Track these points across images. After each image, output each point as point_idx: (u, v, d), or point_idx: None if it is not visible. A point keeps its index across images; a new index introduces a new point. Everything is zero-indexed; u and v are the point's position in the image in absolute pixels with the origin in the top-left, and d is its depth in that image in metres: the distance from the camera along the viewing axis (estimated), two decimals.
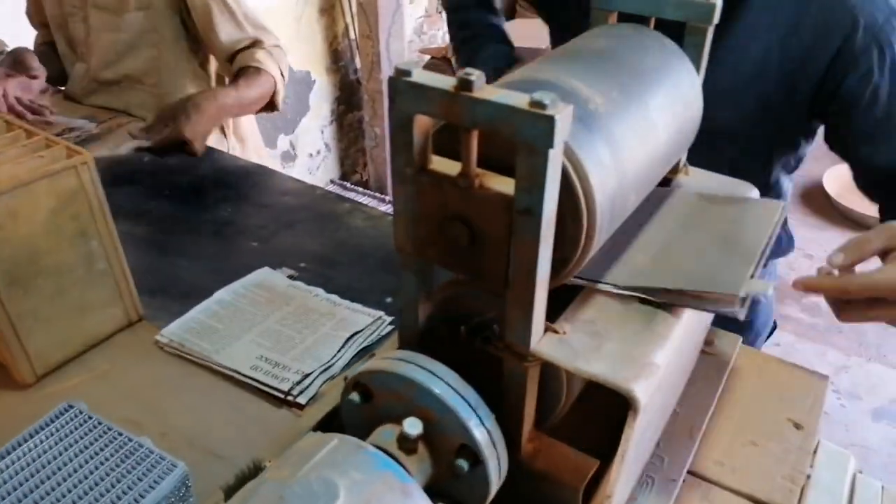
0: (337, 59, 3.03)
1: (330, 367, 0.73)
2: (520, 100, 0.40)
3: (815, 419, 0.68)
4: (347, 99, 3.14)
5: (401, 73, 0.43)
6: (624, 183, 0.50)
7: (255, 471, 0.60)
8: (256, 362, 0.73)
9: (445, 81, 0.42)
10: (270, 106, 1.40)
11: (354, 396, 0.50)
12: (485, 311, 0.53)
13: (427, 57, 3.02)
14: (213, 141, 1.39)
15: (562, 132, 0.39)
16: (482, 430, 0.46)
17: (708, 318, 0.70)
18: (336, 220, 1.03)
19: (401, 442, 0.47)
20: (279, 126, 2.82)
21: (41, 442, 0.59)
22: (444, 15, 3.45)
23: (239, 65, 1.33)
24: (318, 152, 3.09)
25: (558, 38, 1.06)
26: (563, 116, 0.39)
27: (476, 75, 0.41)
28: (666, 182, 0.69)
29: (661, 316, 0.52)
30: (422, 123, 0.46)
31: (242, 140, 1.51)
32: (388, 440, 0.47)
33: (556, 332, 0.49)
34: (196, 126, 1.20)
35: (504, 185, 0.44)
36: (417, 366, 0.48)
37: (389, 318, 0.81)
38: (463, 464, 0.46)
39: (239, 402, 0.70)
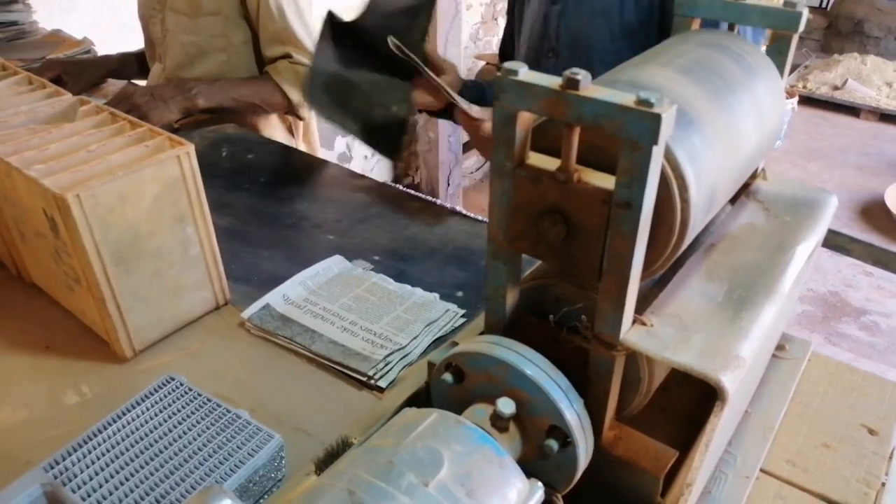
0: None
1: (408, 353, 0.76)
2: (626, 98, 0.42)
3: (891, 425, 0.68)
4: None
5: (508, 72, 0.46)
6: (715, 184, 0.51)
7: (343, 446, 0.63)
8: (336, 345, 0.77)
9: (551, 80, 0.45)
10: (294, 112, 1.45)
11: (448, 377, 0.53)
12: (572, 302, 0.55)
13: (482, 62, 3.05)
14: (282, 140, 1.44)
15: (666, 130, 0.41)
16: (573, 412, 0.48)
17: (785, 320, 0.71)
18: (406, 217, 1.07)
19: (493, 420, 0.49)
20: (334, 129, 2.88)
21: (145, 411, 0.63)
22: (500, 22, 3.48)
23: (266, 69, 1.40)
24: (373, 154, 3.14)
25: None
26: (668, 115, 0.41)
27: (582, 74, 0.43)
28: (745, 186, 0.71)
29: (746, 313, 0.53)
30: (524, 120, 0.48)
31: (309, 141, 1.56)
32: (481, 418, 0.49)
33: (644, 324, 0.51)
34: (164, 115, 1.25)
35: (602, 180, 0.47)
36: (510, 349, 0.50)
37: (462, 311, 0.84)
38: (553, 444, 0.48)
39: (322, 384, 0.74)
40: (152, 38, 1.46)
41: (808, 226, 0.65)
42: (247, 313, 0.81)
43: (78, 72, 1.48)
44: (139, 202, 0.71)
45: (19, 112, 0.84)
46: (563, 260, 0.50)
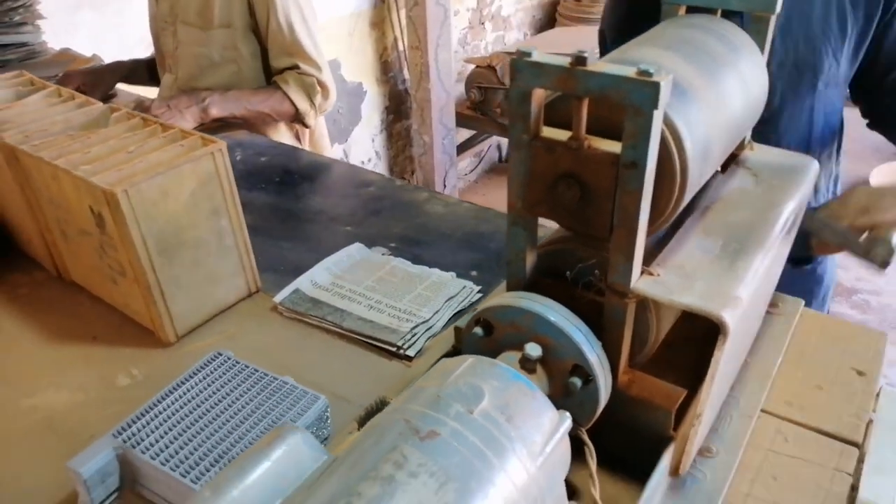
0: (386, 70, 3.15)
1: (432, 325, 0.82)
2: (628, 70, 0.48)
3: (877, 367, 0.75)
4: (396, 108, 3.26)
5: (522, 54, 0.52)
6: (708, 148, 0.58)
7: (381, 405, 0.69)
8: (364, 321, 0.83)
9: (561, 59, 0.51)
10: (301, 120, 1.51)
11: (478, 330, 0.59)
12: (585, 260, 0.61)
13: (472, 66, 3.12)
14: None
15: (665, 96, 0.48)
16: (593, 352, 0.54)
17: (775, 274, 0.78)
18: (416, 207, 1.13)
19: (523, 363, 0.55)
20: (333, 135, 2.95)
21: (199, 382, 0.69)
22: (487, 27, 3.55)
23: (274, 80, 1.47)
24: (370, 160, 3.21)
25: None
26: (666, 83, 0.47)
27: (588, 52, 0.50)
28: (734, 156, 0.77)
29: (740, 262, 0.60)
30: (538, 97, 0.55)
31: (316, 147, 1.63)
32: (511, 362, 0.56)
33: (651, 274, 0.58)
34: (180, 124, 1.30)
35: (609, 146, 0.53)
36: (534, 301, 0.56)
37: (477, 287, 0.90)
38: (576, 381, 0.55)
39: (354, 357, 0.80)
40: (163, 50, 1.52)
41: (793, 186, 0.72)
42: (279, 297, 0.87)
43: (95, 81, 1.54)
44: (179, 196, 0.77)
45: (56, 121, 0.90)
46: (578, 219, 0.56)
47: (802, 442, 0.67)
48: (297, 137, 1.58)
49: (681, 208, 0.57)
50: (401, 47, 3.16)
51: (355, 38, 2.98)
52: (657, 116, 0.49)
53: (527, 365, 0.55)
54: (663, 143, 0.53)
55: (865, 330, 0.81)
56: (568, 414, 0.52)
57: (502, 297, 0.59)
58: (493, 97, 3.06)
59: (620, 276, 0.56)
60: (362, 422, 0.68)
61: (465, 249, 1.01)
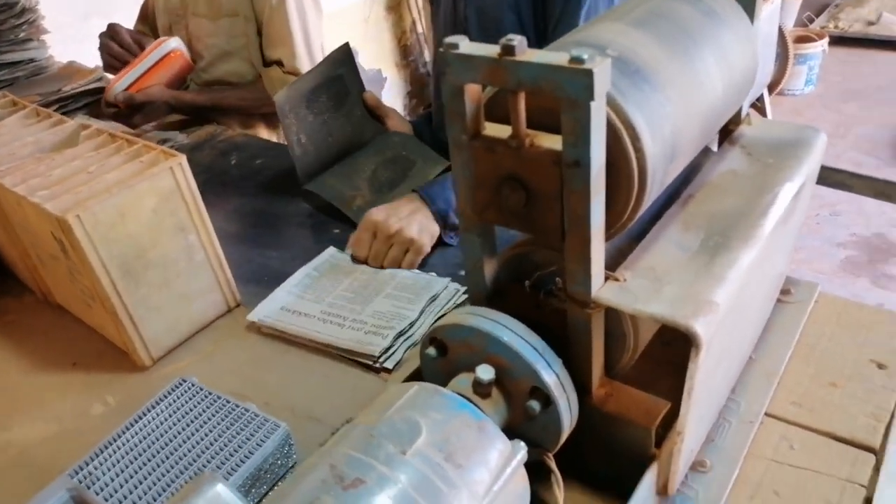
0: (406, 54, 3.09)
1: (412, 334, 0.78)
2: (559, 58, 0.42)
3: None
4: (419, 92, 3.20)
5: (449, 46, 0.47)
6: (677, 143, 0.51)
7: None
8: (342, 331, 0.79)
9: (489, 49, 0.46)
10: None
11: (431, 350, 0.54)
12: (546, 267, 0.56)
13: None
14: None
15: (602, 84, 0.42)
16: (550, 372, 0.49)
17: (782, 266, 0.70)
18: None
19: (475, 387, 0.50)
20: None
21: (160, 413, 0.66)
22: None
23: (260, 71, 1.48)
24: None
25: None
26: (601, 70, 0.41)
27: (518, 40, 0.44)
28: (728, 133, 0.70)
29: (721, 259, 0.53)
30: (472, 92, 0.49)
31: None
32: (464, 387, 0.51)
33: (616, 279, 0.52)
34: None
35: (553, 142, 0.47)
36: (486, 318, 0.51)
37: (463, 288, 0.85)
38: (535, 405, 0.49)
39: (331, 372, 0.76)
40: None
41: (792, 165, 0.64)
42: (253, 315, 0.84)
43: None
44: (139, 216, 0.74)
45: (26, 143, 0.88)
46: (527, 225, 0.51)
47: (810, 449, 0.60)
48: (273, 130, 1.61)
49: (641, 210, 0.51)
50: (419, 29, 3.10)
51: (371, 24, 2.93)
52: (596, 108, 0.43)
53: (479, 389, 0.50)
54: (616, 140, 0.47)
55: (889, 314, 0.73)
56: (522, 444, 0.47)
57: (455, 313, 0.54)
58: None
59: (579, 284, 0.50)
60: None
61: (455, 248, 0.96)
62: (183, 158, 0.77)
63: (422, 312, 0.80)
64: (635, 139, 0.47)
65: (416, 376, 0.64)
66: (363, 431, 0.45)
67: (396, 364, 0.75)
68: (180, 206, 0.78)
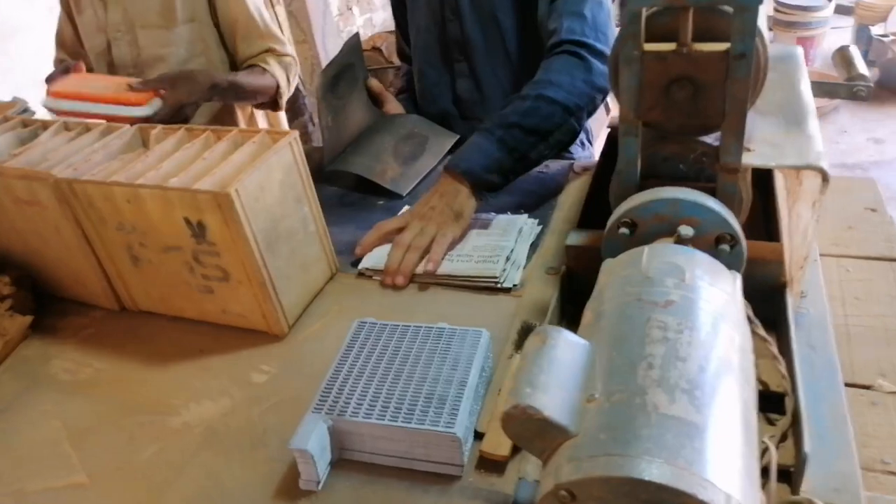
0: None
1: (516, 258, 0.90)
2: None
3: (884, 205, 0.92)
4: (290, 107, 3.20)
5: None
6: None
7: (527, 329, 0.77)
8: (454, 263, 0.90)
9: None
10: (274, 105, 1.55)
11: (624, 230, 0.68)
12: (681, 156, 0.72)
13: None
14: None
15: None
16: (734, 218, 0.65)
17: None
18: None
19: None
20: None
21: (361, 349, 0.73)
22: (354, 11, 3.56)
23: (248, 63, 1.50)
24: None
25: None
26: None
27: None
28: None
29: (805, 126, 0.72)
30: (642, 16, 0.64)
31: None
32: None
33: (748, 149, 0.69)
34: (190, 96, 1.30)
35: (712, 46, 0.63)
36: (673, 190, 0.66)
37: (536, 219, 0.99)
38: (725, 247, 0.65)
39: (460, 299, 0.86)
40: (116, 62, 1.48)
41: (797, 70, 0.85)
42: (363, 264, 0.92)
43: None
44: (273, 189, 0.80)
45: (94, 149, 0.88)
46: (692, 114, 0.66)
47: (858, 268, 0.82)
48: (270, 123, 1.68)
49: (761, 89, 0.68)
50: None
51: None
52: (762, 11, 0.59)
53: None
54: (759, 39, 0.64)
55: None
56: (735, 271, 0.62)
57: (639, 196, 0.68)
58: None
59: (732, 155, 0.67)
60: (518, 343, 0.76)
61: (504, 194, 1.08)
62: (296, 133, 0.83)
63: (516, 241, 0.93)
64: (761, 36, 0.65)
65: (567, 277, 0.77)
66: (635, 279, 0.57)
67: (514, 285, 0.87)
68: (297, 179, 0.84)
